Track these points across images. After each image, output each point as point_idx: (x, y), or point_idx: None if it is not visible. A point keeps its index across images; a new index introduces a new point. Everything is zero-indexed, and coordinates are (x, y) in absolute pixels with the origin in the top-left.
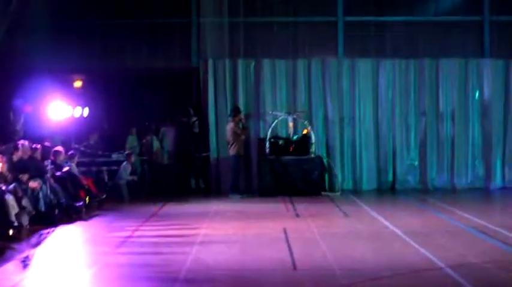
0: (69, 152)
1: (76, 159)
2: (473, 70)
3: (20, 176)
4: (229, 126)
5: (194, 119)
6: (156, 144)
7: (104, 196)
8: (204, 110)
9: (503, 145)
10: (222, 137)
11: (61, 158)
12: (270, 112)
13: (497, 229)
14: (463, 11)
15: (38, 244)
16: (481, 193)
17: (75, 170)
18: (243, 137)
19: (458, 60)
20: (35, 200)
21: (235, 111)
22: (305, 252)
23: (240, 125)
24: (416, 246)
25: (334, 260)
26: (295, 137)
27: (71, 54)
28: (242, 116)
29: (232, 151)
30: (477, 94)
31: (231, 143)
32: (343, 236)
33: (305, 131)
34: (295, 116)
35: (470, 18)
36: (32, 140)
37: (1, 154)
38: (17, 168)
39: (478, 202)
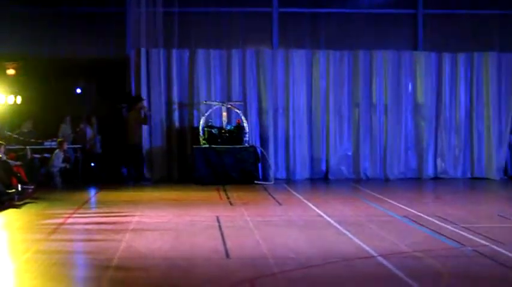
0: None
1: (3, 148)
2: (406, 62)
3: None
4: (132, 114)
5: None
6: (89, 132)
7: (36, 184)
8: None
9: (436, 136)
10: (155, 126)
11: None
12: (204, 102)
13: (429, 218)
14: (397, 4)
15: None
16: (414, 183)
17: (4, 157)
18: (144, 125)
19: (391, 53)
20: None
21: (137, 99)
22: (238, 240)
23: (142, 114)
24: (349, 235)
25: (267, 249)
26: (229, 127)
27: (3, 41)
28: (144, 104)
29: (135, 140)
30: (410, 86)
31: (133, 132)
32: (276, 225)
33: (239, 121)
34: (229, 106)
35: (404, 11)
36: None
37: None
38: None
39: (411, 191)
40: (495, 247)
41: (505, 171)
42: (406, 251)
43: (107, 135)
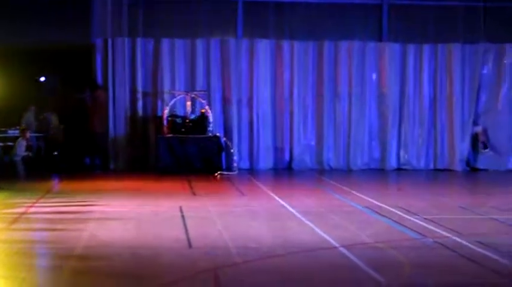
0: None
1: None
2: (371, 53)
3: None
4: (94, 102)
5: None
6: (53, 121)
7: None
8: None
9: (399, 127)
10: (119, 115)
11: None
12: (169, 91)
13: (391, 209)
14: None
15: None
16: (377, 174)
17: None
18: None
19: (356, 43)
20: None
21: (95, 87)
22: (201, 230)
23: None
24: (312, 225)
25: (230, 239)
26: (193, 116)
27: None
28: (101, 92)
29: (98, 128)
30: (374, 77)
31: (96, 120)
32: (239, 215)
33: (203, 111)
34: (193, 95)
35: (369, 2)
36: None
37: None
38: None
39: (373, 182)
40: (456, 238)
41: (468, 162)
42: (368, 242)
43: (70, 124)
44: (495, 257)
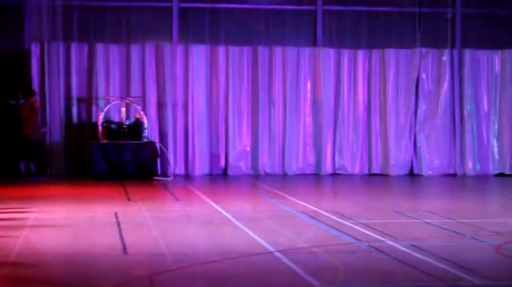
0: None
1: None
2: (305, 58)
3: None
4: (26, 108)
5: (22, 102)
6: None
7: None
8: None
9: (334, 132)
10: (55, 120)
11: None
12: (103, 96)
13: (326, 214)
14: (297, 0)
15: None
16: (312, 179)
17: None
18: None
19: (290, 49)
20: None
21: (29, 93)
22: (136, 236)
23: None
24: (247, 231)
25: (165, 245)
26: (128, 122)
27: None
28: (36, 98)
29: (32, 134)
30: (309, 82)
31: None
32: (175, 221)
33: (138, 116)
34: (128, 101)
35: (304, 7)
36: None
37: None
38: None
39: (309, 187)
40: (390, 242)
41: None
42: (304, 247)
43: (4, 129)
44: (429, 260)
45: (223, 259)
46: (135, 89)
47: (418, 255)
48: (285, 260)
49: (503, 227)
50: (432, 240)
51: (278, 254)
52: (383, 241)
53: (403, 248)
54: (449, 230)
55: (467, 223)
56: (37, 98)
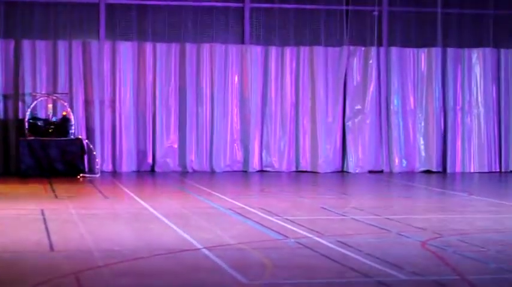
0: None
1: None
2: (233, 55)
3: None
4: None
5: None
6: None
7: None
8: None
9: (261, 129)
10: None
11: None
12: (30, 93)
13: (253, 210)
14: None
15: None
16: (239, 176)
17: None
18: None
19: (218, 46)
20: None
21: None
22: (63, 234)
23: None
24: (175, 227)
25: (92, 242)
26: (54, 119)
27: None
28: None
29: None
30: (237, 79)
31: None
32: (102, 218)
33: (65, 113)
34: (55, 98)
35: (232, 4)
36: None
37: None
38: None
39: (236, 184)
40: (317, 239)
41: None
42: (231, 243)
43: None
44: (356, 256)
45: (150, 255)
46: (62, 85)
47: (344, 251)
48: (212, 256)
49: (429, 223)
50: (359, 236)
51: (205, 251)
52: (310, 237)
53: (329, 244)
54: (376, 226)
55: (393, 219)
56: None
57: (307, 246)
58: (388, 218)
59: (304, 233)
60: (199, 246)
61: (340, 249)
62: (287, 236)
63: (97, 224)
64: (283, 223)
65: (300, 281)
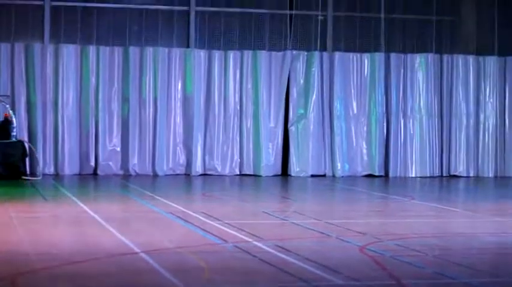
0: None
1: None
2: (177, 59)
3: None
4: None
5: None
6: None
7: None
8: None
9: (205, 132)
10: None
11: None
12: None
13: (194, 214)
14: (170, 1)
15: None
16: (182, 180)
17: None
18: None
19: (162, 50)
20: None
21: None
22: (1, 237)
23: None
24: (114, 231)
25: (30, 245)
26: None
27: None
28: None
29: None
30: (180, 83)
31: None
32: (42, 221)
33: (6, 115)
34: None
35: (177, 8)
36: None
37: None
38: None
39: (178, 188)
40: (257, 243)
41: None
42: (169, 247)
43: None
44: (294, 261)
45: (88, 259)
46: (4, 87)
47: (282, 255)
48: (150, 260)
49: (368, 228)
50: (298, 240)
51: (143, 255)
52: (249, 241)
53: (268, 249)
54: (316, 230)
55: (333, 223)
56: None
57: (246, 250)
58: (328, 223)
59: (244, 237)
60: (137, 250)
61: (278, 254)
62: (226, 241)
63: (36, 228)
64: (223, 227)
65: (237, 285)
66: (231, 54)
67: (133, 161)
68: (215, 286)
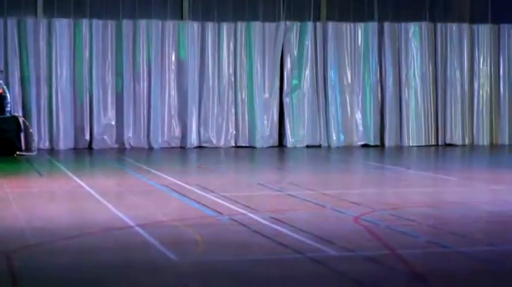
0: None
1: None
2: (170, 32)
3: None
4: None
5: None
6: None
7: None
8: None
9: (199, 105)
10: None
11: None
12: None
13: (189, 187)
14: None
15: None
16: (177, 152)
17: None
18: None
19: (155, 22)
20: None
21: None
22: None
23: None
24: (109, 205)
25: (25, 221)
26: None
27: None
28: None
29: None
30: (174, 55)
31: None
32: (37, 196)
33: (0, 91)
34: None
35: None
36: None
37: None
38: None
39: (173, 161)
40: (252, 215)
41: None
42: (164, 220)
43: None
44: (288, 232)
45: (83, 234)
46: None
47: (277, 227)
48: (144, 234)
49: (363, 198)
50: (293, 212)
51: (138, 228)
52: (244, 213)
53: (263, 221)
54: (311, 201)
55: (328, 194)
56: None
57: (241, 222)
58: (323, 193)
59: (239, 209)
60: (132, 224)
61: (273, 225)
62: (221, 213)
63: (32, 203)
64: (218, 200)
65: (231, 257)
66: (225, 25)
67: (128, 134)
68: (208, 259)
